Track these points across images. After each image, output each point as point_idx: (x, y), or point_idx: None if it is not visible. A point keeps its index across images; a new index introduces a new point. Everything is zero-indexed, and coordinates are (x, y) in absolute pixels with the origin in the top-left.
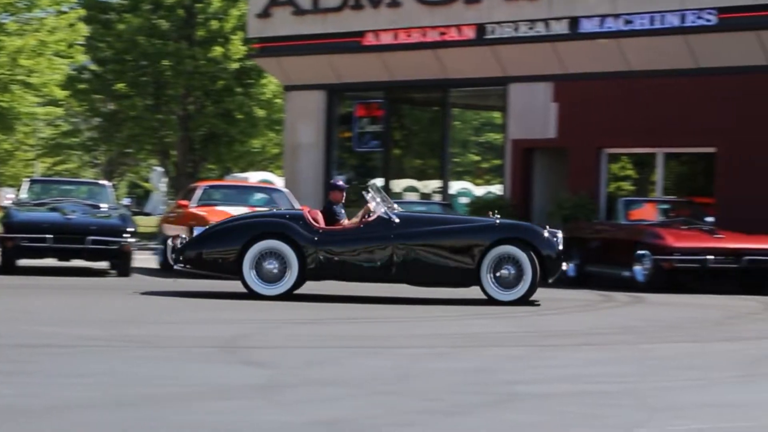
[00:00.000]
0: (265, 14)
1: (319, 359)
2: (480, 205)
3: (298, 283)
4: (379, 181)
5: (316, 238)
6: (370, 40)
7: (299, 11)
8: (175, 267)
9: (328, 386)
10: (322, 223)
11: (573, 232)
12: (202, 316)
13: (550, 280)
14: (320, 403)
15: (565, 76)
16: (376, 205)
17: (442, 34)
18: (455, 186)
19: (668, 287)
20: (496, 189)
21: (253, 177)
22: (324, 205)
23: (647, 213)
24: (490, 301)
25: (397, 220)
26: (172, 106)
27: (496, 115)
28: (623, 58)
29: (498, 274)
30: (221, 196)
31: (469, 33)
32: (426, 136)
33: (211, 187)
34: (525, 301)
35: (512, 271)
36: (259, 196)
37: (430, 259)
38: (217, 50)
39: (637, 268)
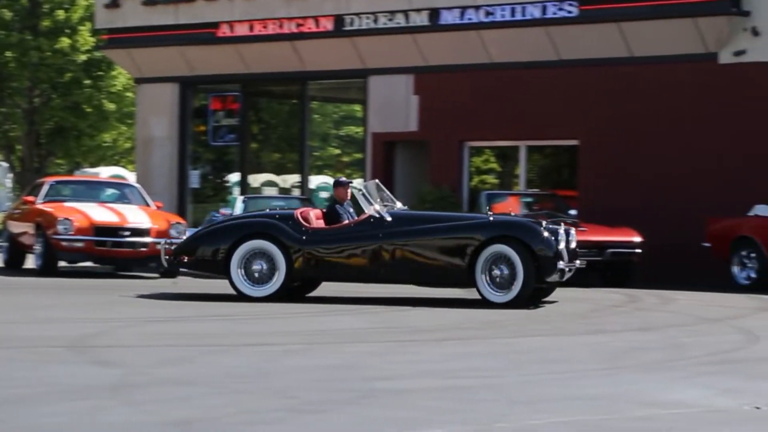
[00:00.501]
0: (113, 4)
1: (173, 358)
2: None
3: (287, 284)
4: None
5: (303, 238)
6: (224, 31)
7: (150, 1)
8: (168, 268)
9: (180, 385)
10: (314, 223)
11: None
12: (55, 315)
13: (547, 280)
14: (172, 403)
15: (425, 68)
16: (366, 204)
17: (300, 25)
18: (315, 180)
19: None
20: (358, 183)
21: (105, 172)
22: (328, 205)
23: (510, 206)
24: (485, 302)
25: (388, 219)
26: (16, 99)
27: (357, 107)
28: (484, 50)
29: (492, 274)
30: (70, 191)
31: (328, 24)
32: (284, 129)
33: (59, 182)
34: (518, 303)
35: (505, 271)
36: (110, 191)
37: (419, 259)
38: (64, 41)
39: None
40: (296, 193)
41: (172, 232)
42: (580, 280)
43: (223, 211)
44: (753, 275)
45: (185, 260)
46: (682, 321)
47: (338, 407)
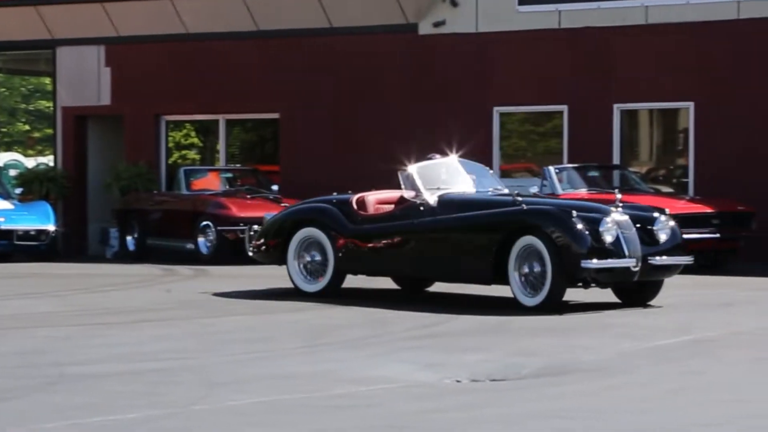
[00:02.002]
0: None
1: None
2: (31, 177)
3: (337, 278)
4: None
5: (350, 227)
6: None
7: None
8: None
9: None
10: (372, 209)
11: (132, 203)
12: None
13: (579, 284)
14: None
15: (117, 38)
16: (407, 187)
17: None
18: (4, 157)
19: (234, 259)
20: (48, 160)
21: None
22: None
23: (210, 182)
24: (516, 304)
25: (432, 205)
26: None
27: (46, 80)
28: (179, 21)
29: (523, 272)
30: None
31: None
32: None
33: None
34: (548, 307)
35: (537, 268)
36: None
37: (442, 252)
38: None
39: (201, 239)
40: None
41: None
42: None
43: None
44: None
45: (256, 248)
46: (385, 296)
47: (26, 394)
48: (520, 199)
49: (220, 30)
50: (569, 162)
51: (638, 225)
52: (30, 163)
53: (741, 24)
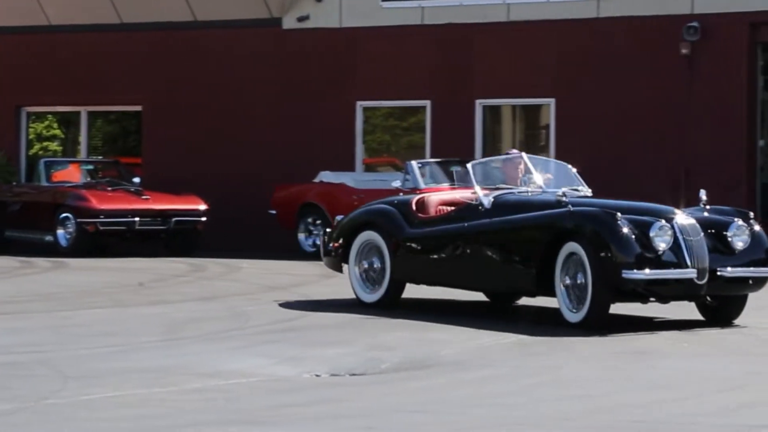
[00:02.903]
0: None
1: None
2: None
3: (394, 287)
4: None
5: (406, 230)
6: None
7: None
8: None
9: None
10: (433, 210)
11: None
12: None
13: (632, 298)
14: None
15: None
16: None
17: None
18: None
19: (93, 251)
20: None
21: None
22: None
23: (71, 174)
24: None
25: (486, 206)
26: None
27: None
28: (42, 13)
29: (566, 284)
30: None
31: None
32: None
33: None
34: (590, 324)
35: (580, 279)
36: None
37: (487, 259)
38: None
39: (60, 232)
40: None
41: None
42: (144, 249)
43: None
44: (318, 242)
45: (325, 251)
46: (246, 289)
47: None
48: (566, 199)
49: (83, 22)
50: (432, 157)
51: (712, 230)
52: None
53: (601, 22)
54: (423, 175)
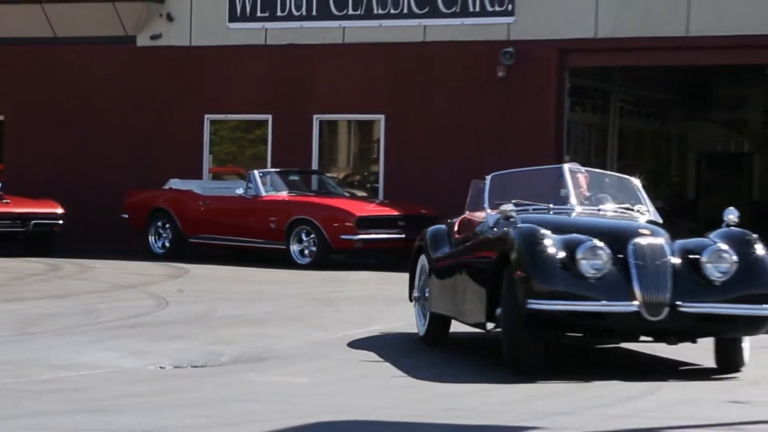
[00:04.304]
0: None
1: None
2: None
3: (436, 319)
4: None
5: (435, 254)
6: None
7: None
8: None
9: None
10: (465, 230)
11: None
12: None
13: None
14: None
15: None
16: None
17: None
18: None
19: None
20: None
21: None
22: None
23: None
24: None
25: (490, 225)
26: None
27: None
28: None
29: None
30: None
31: None
32: None
33: None
34: (521, 372)
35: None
36: None
37: (451, 287)
38: None
39: None
40: None
41: None
42: (3, 250)
43: None
44: (167, 244)
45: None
46: (98, 288)
47: None
48: (514, 216)
49: None
50: (273, 167)
51: (695, 256)
52: None
53: (427, 46)
54: (264, 184)
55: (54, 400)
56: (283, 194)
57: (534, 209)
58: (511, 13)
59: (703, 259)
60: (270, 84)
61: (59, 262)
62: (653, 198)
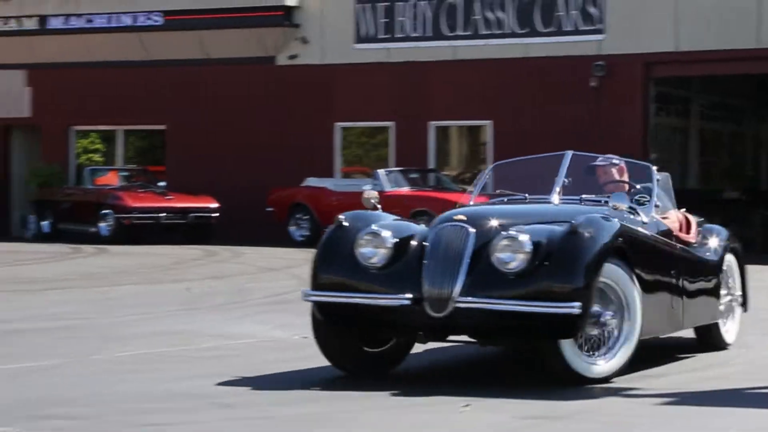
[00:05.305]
0: None
1: None
2: None
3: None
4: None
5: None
6: None
7: None
8: None
9: None
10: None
11: (47, 196)
12: None
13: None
14: None
15: (37, 65)
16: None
17: None
18: None
19: (128, 240)
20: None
21: None
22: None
23: (110, 179)
24: None
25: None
26: None
27: None
28: (87, 51)
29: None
30: None
31: None
32: None
33: None
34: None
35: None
36: None
37: None
38: None
39: (102, 224)
40: None
41: None
42: (168, 239)
43: None
44: (306, 233)
45: None
46: (248, 270)
47: None
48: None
49: (119, 59)
50: (395, 166)
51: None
52: None
53: (527, 61)
54: (388, 181)
55: (217, 364)
56: (405, 189)
57: (509, 199)
58: (601, 31)
59: (492, 248)
60: (391, 95)
61: (215, 249)
62: (732, 189)
